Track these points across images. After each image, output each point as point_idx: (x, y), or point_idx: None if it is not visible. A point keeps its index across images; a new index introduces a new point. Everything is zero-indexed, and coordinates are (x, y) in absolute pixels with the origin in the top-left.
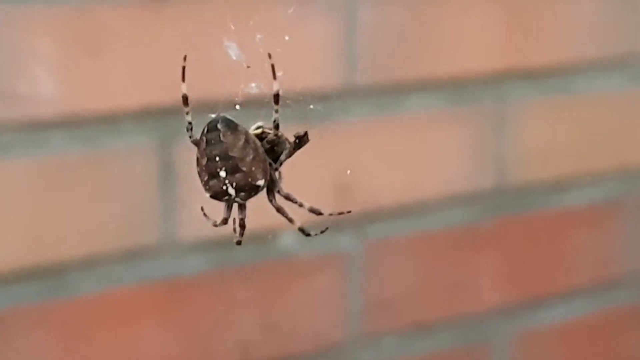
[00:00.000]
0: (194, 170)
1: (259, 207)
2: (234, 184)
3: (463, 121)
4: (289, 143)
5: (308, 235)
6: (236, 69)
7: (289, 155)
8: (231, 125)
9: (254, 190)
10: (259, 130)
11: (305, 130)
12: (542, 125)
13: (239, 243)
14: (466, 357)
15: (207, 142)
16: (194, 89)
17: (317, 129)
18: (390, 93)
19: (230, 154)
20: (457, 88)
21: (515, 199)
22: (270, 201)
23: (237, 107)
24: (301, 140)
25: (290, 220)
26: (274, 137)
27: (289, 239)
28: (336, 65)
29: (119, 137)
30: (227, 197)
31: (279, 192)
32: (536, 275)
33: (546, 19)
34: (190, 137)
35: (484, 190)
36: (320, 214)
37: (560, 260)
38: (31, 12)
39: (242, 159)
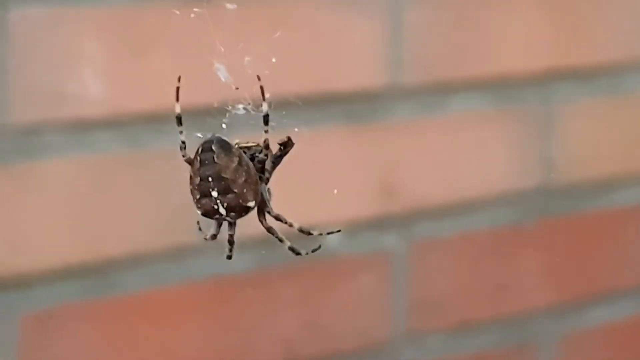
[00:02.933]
0: None
1: (304, 205)
2: (225, 204)
3: (509, 121)
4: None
5: (298, 254)
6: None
7: (275, 164)
8: (225, 147)
9: (245, 210)
10: (250, 145)
11: (287, 136)
12: (588, 125)
13: (229, 257)
14: (512, 357)
15: (201, 162)
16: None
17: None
18: (436, 93)
19: (223, 175)
20: (502, 88)
21: (561, 199)
22: (261, 221)
23: (224, 126)
24: (286, 146)
25: (281, 240)
26: (265, 157)
27: (334, 237)
28: (381, 65)
29: (163, 137)
30: (217, 216)
31: (269, 212)
32: (582, 275)
33: (592, 18)
34: (183, 155)
35: (529, 190)
36: (310, 234)
37: (606, 261)
38: (78, 14)
39: (234, 181)
